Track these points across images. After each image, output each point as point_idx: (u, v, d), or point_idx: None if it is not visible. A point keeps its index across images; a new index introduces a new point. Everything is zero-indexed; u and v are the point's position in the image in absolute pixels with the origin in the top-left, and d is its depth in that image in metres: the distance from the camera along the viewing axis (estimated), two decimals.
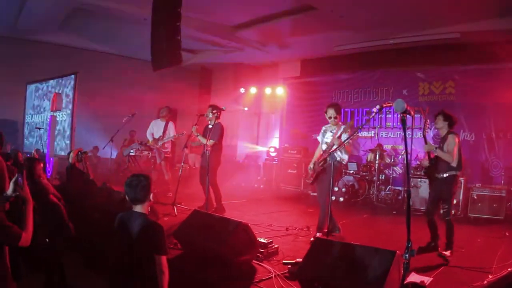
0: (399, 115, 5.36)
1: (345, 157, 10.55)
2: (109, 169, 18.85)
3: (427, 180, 14.14)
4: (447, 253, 9.08)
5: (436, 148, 9.63)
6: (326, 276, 6.18)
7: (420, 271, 7.54)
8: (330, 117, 10.68)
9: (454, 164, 9.36)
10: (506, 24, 14.64)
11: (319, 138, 11.13)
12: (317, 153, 11.03)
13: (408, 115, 5.23)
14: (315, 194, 17.72)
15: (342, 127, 10.49)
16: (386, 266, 5.79)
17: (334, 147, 10.04)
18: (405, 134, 5.38)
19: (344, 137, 10.07)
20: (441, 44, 16.97)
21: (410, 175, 15.33)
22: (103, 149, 17.54)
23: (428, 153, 9.98)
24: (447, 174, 9.46)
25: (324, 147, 10.72)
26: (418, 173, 15.34)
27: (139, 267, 5.30)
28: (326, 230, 9.88)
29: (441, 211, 9.55)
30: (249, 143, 24.20)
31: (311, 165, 10.88)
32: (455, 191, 9.85)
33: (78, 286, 8.10)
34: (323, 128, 11.14)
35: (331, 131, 10.72)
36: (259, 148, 23.92)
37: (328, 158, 10.01)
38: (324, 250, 6.58)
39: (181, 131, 15.67)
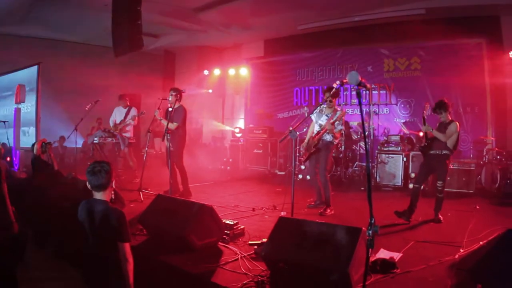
0: (356, 89, 5.33)
1: (335, 140, 11.44)
2: (75, 158, 18.70)
3: (394, 156, 14.45)
4: (441, 217, 10.34)
5: (433, 129, 10.31)
6: (291, 255, 6.12)
7: (390, 246, 7.52)
8: (326, 100, 11.08)
9: (449, 145, 10.15)
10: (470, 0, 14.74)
11: (313, 117, 11.56)
12: (310, 133, 11.64)
13: (363, 88, 5.19)
14: (282, 173, 17.93)
15: (338, 112, 11.05)
16: (352, 244, 5.76)
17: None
18: (360, 108, 5.30)
19: (337, 124, 10.97)
20: (405, 20, 17.01)
21: (377, 151, 15.49)
22: (67, 139, 17.38)
23: (426, 133, 10.64)
24: (443, 152, 10.20)
25: (317, 128, 11.32)
26: (385, 149, 15.44)
27: (103, 256, 5.24)
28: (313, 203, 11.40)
29: (437, 188, 10.46)
30: (215, 122, 24.19)
31: (304, 144, 11.61)
32: (448, 170, 10.45)
33: (49, 278, 8.04)
34: (319, 107, 11.53)
35: (326, 114, 11.22)
36: (226, 127, 23.92)
37: (320, 141, 11.19)
38: (289, 229, 6.52)
39: (140, 111, 15.58)
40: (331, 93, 10.84)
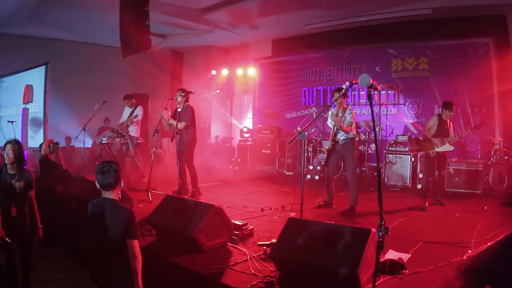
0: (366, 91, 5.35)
1: (354, 134, 11.66)
2: (83, 158, 18.71)
3: (402, 156, 14.54)
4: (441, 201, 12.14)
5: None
6: (300, 256, 6.14)
7: (398, 247, 7.48)
8: (335, 100, 11.37)
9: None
10: None
11: (328, 122, 11.97)
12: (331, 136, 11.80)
13: (374, 90, 5.22)
14: (290, 173, 17.98)
15: (348, 110, 11.36)
16: (361, 245, 5.76)
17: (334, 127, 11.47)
18: (372, 110, 5.32)
19: (348, 118, 11.25)
20: (413, 20, 16.97)
21: (385, 151, 15.47)
22: (76, 139, 17.37)
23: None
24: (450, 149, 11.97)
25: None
26: (393, 149, 15.41)
27: (113, 253, 5.34)
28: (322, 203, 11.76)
29: (442, 173, 12.51)
30: (225, 116, 24.27)
31: (325, 147, 12.01)
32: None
33: (57, 278, 8.07)
34: (330, 112, 11.98)
35: (338, 115, 11.37)
36: (234, 120, 23.98)
37: (339, 140, 11.55)
38: (298, 230, 6.52)
39: (160, 110, 15.50)
40: (341, 93, 11.14)
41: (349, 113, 11.26)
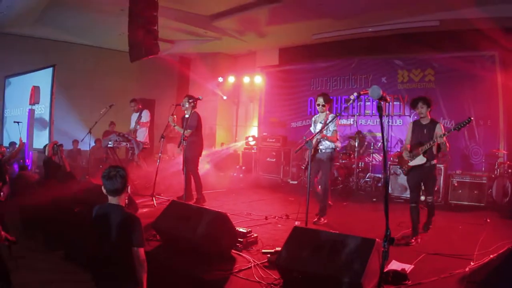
0: (376, 102, 5.33)
1: (338, 144, 11.55)
2: (88, 161, 18.74)
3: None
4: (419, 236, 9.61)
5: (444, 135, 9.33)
6: (305, 265, 6.18)
7: (401, 258, 7.51)
8: (318, 105, 11.20)
9: (439, 151, 9.66)
10: (484, 12, 14.68)
11: (312, 129, 11.52)
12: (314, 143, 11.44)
13: (384, 102, 5.21)
14: (294, 182, 17.95)
15: (330, 116, 10.97)
16: (366, 255, 5.79)
17: (318, 136, 10.77)
18: (381, 121, 5.33)
19: (331, 126, 10.79)
20: (420, 32, 17.03)
21: (390, 162, 15.40)
22: (81, 141, 17.39)
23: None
24: (432, 163, 9.58)
25: (317, 136, 11.06)
26: (398, 161, 15.39)
27: (118, 260, 5.31)
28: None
29: (428, 203, 10.12)
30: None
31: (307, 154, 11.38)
32: (436, 180, 10.74)
33: (60, 280, 8.09)
34: (313, 119, 11.69)
35: (320, 122, 11.17)
36: (238, 144, 23.89)
37: (319, 149, 11.08)
38: (303, 239, 6.57)
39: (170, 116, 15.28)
40: (324, 98, 11.07)
41: (333, 121, 10.88)
